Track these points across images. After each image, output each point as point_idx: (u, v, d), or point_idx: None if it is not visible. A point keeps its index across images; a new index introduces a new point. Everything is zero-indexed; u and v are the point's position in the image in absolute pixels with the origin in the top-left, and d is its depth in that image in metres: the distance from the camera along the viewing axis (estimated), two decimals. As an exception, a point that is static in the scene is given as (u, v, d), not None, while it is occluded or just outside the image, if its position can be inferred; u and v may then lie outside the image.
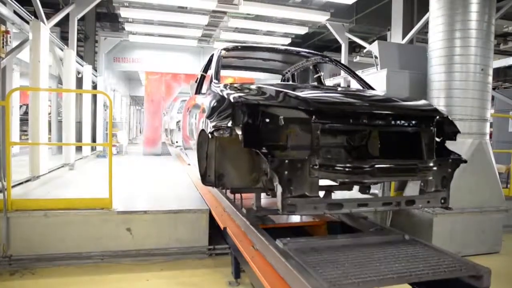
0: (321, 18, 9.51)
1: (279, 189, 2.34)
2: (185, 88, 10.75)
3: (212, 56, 4.36)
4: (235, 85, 3.37)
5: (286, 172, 2.30)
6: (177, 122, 12.08)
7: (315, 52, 4.72)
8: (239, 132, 2.40)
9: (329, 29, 10.48)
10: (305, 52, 4.67)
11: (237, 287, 3.36)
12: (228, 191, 3.97)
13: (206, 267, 3.83)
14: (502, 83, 16.63)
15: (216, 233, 4.04)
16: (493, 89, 7.79)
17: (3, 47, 4.77)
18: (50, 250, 3.76)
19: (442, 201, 2.75)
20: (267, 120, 2.42)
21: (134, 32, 11.58)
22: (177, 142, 11.57)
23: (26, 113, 12.36)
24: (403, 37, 7.29)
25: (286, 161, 2.31)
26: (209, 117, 2.87)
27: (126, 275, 3.59)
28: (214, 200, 4.48)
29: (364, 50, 11.70)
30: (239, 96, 2.60)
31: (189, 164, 7.48)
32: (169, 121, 14.82)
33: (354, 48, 12.48)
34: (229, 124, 2.47)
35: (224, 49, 4.19)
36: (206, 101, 3.27)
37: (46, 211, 3.78)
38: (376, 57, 5.65)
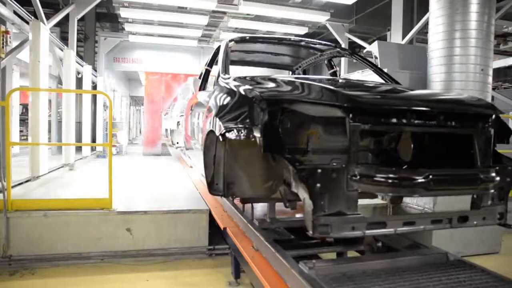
0: (321, 18, 9.52)
1: (308, 205, 1.88)
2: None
3: (218, 49, 3.97)
4: (246, 77, 2.94)
5: (318, 184, 1.85)
6: (178, 122, 12.06)
7: (332, 44, 4.23)
8: (258, 134, 2.00)
9: (329, 29, 10.51)
10: (321, 44, 4.15)
11: (237, 287, 3.36)
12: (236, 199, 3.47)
13: (206, 267, 3.83)
14: (502, 83, 16.65)
15: (216, 233, 4.04)
16: (493, 89, 7.79)
17: (3, 47, 4.76)
18: (50, 250, 3.76)
19: (499, 216, 2.27)
20: (294, 119, 2.03)
21: (134, 32, 11.60)
22: (177, 143, 11.55)
23: (23, 113, 12.36)
24: (403, 37, 7.30)
25: (319, 170, 1.86)
26: (218, 115, 2.51)
27: (126, 275, 3.59)
28: (214, 200, 4.47)
29: (364, 51, 11.66)
30: (253, 89, 2.20)
31: (191, 167, 7.39)
32: (169, 121, 14.81)
33: (354, 48, 12.47)
34: (245, 125, 2.10)
35: (232, 40, 3.74)
36: (213, 98, 2.90)
37: (46, 211, 3.77)
38: (376, 58, 5.64)
